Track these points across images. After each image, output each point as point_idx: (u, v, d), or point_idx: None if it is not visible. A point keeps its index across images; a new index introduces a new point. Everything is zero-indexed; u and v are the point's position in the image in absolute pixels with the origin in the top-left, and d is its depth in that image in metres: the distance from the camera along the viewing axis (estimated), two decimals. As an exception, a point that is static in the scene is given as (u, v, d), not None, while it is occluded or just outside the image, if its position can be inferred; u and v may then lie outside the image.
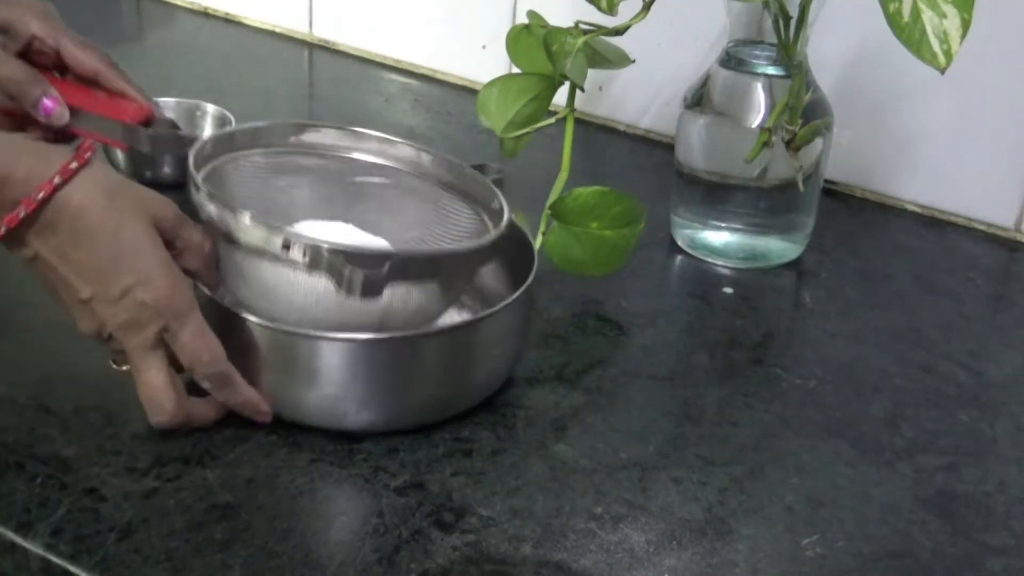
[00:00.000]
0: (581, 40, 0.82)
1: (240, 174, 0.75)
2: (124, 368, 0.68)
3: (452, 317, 0.77)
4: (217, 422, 0.70)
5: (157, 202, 0.67)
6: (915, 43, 0.72)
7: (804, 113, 0.87)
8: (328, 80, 1.28)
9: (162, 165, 0.96)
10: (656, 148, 1.13)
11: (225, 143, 0.74)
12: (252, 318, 0.68)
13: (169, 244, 0.67)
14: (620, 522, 0.67)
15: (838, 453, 0.74)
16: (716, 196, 0.93)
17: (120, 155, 0.96)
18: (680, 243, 0.96)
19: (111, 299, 0.65)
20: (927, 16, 0.71)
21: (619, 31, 0.84)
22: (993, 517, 0.70)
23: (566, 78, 0.82)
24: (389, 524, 0.65)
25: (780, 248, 0.94)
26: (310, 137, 0.77)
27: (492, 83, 0.86)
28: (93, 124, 0.80)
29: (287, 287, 0.66)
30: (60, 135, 0.81)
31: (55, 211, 0.63)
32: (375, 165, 0.78)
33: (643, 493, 0.69)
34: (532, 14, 0.87)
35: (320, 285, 0.66)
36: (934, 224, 1.03)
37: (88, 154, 0.64)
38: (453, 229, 0.77)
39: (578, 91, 0.84)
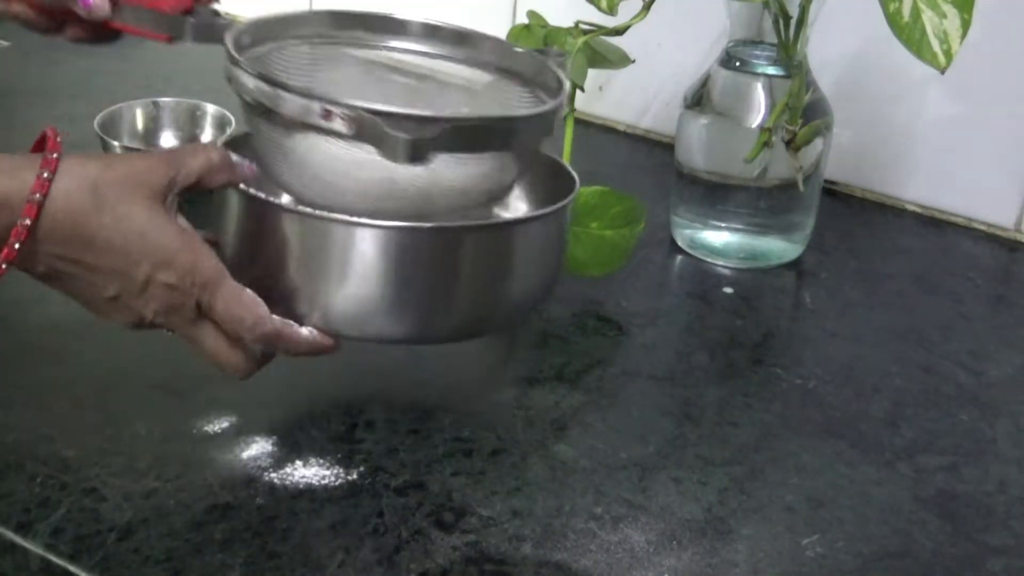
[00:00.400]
0: (581, 40, 0.82)
1: (281, 63, 0.72)
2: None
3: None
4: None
5: (146, 171, 0.63)
6: (915, 43, 0.72)
7: (804, 113, 0.87)
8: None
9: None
10: (656, 148, 1.13)
11: (265, 30, 0.71)
12: (278, 202, 0.65)
13: (183, 195, 0.65)
14: (620, 522, 0.67)
15: (838, 453, 0.74)
16: (716, 196, 0.93)
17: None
18: (680, 243, 0.96)
19: (137, 291, 0.63)
20: (927, 16, 0.71)
21: (619, 31, 0.84)
22: (993, 517, 0.70)
23: (566, 78, 0.82)
24: (389, 524, 0.65)
25: (780, 248, 0.94)
26: (353, 25, 0.74)
27: (492, 83, 0.86)
28: (133, 17, 0.78)
29: (331, 161, 0.63)
30: (99, 31, 0.78)
31: (50, 219, 0.61)
32: (424, 53, 0.75)
33: (643, 493, 0.69)
34: (532, 14, 0.87)
35: (363, 155, 0.62)
36: (934, 224, 1.03)
37: (55, 154, 0.61)
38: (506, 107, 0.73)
39: (578, 91, 0.84)
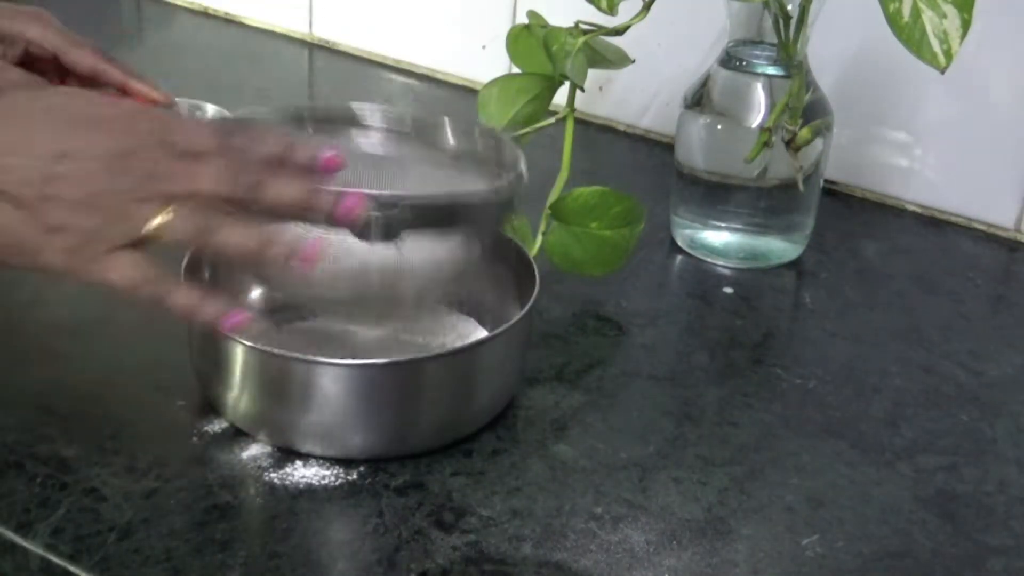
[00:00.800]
0: (581, 40, 0.82)
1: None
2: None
3: (455, 333, 0.76)
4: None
5: None
6: (915, 43, 0.72)
7: (804, 113, 0.87)
8: (328, 80, 1.28)
9: None
10: (656, 148, 1.13)
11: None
12: (245, 343, 0.67)
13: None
14: (620, 522, 0.67)
15: (838, 453, 0.74)
16: (716, 196, 0.93)
17: None
18: (680, 243, 0.96)
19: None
20: (927, 16, 0.71)
21: (619, 31, 0.84)
22: (993, 517, 0.70)
23: (566, 78, 0.82)
24: (389, 524, 0.65)
25: (780, 248, 0.94)
26: (320, 115, 0.74)
27: (492, 83, 0.86)
28: None
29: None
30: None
31: None
32: (384, 135, 0.75)
33: (643, 493, 0.69)
34: (532, 14, 0.87)
35: (336, 238, 0.62)
36: (934, 224, 1.03)
37: None
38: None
39: (578, 91, 0.84)
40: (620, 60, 0.90)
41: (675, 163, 0.95)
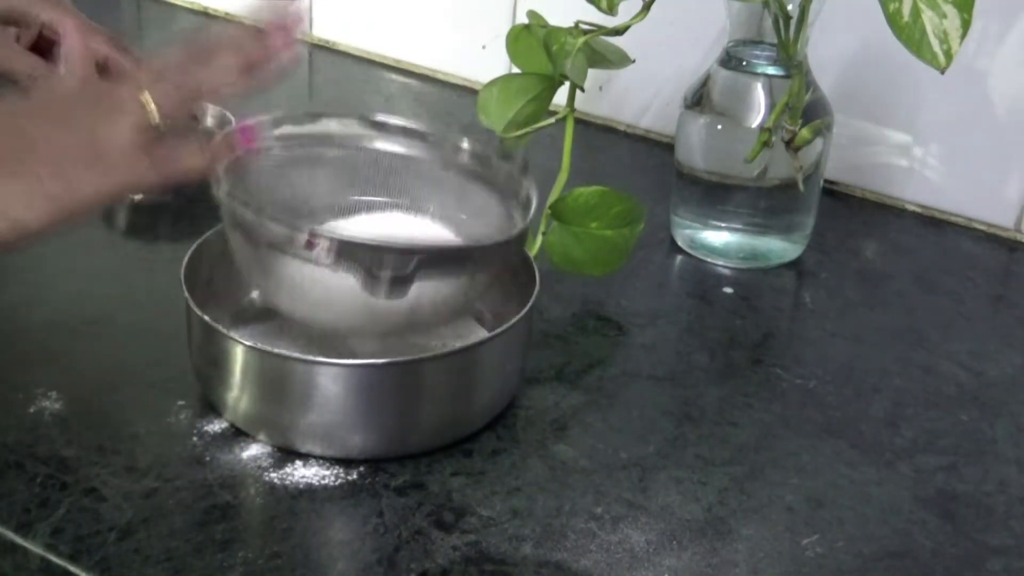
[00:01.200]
0: (581, 40, 0.82)
1: (260, 166, 0.72)
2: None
3: (455, 333, 0.76)
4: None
5: None
6: (915, 43, 0.72)
7: (804, 113, 0.87)
8: (328, 80, 1.28)
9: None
10: (656, 148, 1.13)
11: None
12: (245, 342, 0.67)
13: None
14: (620, 522, 0.67)
15: (838, 453, 0.74)
16: (716, 196, 0.93)
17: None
18: (680, 243, 0.96)
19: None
20: (927, 16, 0.71)
21: (619, 31, 0.84)
22: (993, 517, 0.70)
23: (566, 78, 0.82)
24: (389, 524, 0.65)
25: (780, 248, 0.94)
26: (329, 127, 0.75)
27: (492, 83, 0.86)
28: None
29: (311, 284, 0.65)
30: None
31: None
32: (397, 155, 0.75)
33: (643, 493, 0.69)
34: (532, 14, 0.87)
35: (346, 281, 0.63)
36: (934, 224, 1.03)
37: None
38: (479, 219, 0.75)
39: (578, 91, 0.84)
40: (620, 60, 0.90)
41: (675, 163, 0.95)
